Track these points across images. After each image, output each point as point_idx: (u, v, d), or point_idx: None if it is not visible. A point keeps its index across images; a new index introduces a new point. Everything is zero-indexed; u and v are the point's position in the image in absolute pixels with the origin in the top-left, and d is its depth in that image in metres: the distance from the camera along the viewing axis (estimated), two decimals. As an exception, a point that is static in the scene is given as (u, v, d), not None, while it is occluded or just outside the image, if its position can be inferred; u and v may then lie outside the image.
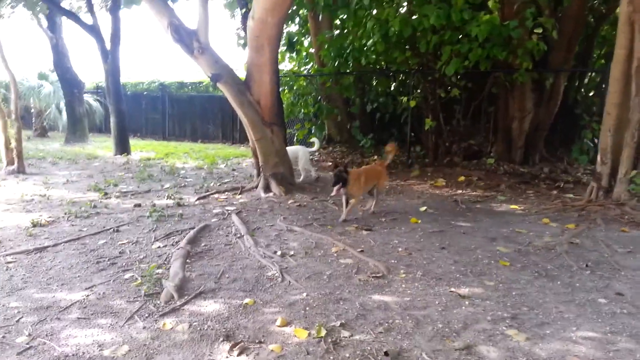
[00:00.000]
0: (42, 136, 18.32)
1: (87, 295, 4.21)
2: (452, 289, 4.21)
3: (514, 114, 10.55)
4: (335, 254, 5.18)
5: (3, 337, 3.50)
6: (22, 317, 3.81)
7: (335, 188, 6.16)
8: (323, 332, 3.46)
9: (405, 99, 10.52)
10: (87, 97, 18.36)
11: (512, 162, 10.34)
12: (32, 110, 19.05)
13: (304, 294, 4.17)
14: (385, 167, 6.99)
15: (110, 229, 6.15)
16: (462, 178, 9.39)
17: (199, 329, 3.60)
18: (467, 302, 3.96)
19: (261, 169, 8.40)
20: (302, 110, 12.92)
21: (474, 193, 8.36)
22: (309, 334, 3.45)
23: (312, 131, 13.13)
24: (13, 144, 10.34)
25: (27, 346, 3.37)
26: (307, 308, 3.91)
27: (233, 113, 19.46)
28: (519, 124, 10.53)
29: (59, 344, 3.41)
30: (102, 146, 15.30)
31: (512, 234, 5.91)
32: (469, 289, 4.23)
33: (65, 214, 6.87)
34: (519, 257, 5.09)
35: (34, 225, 6.26)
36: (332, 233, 5.96)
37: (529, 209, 7.27)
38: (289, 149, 9.12)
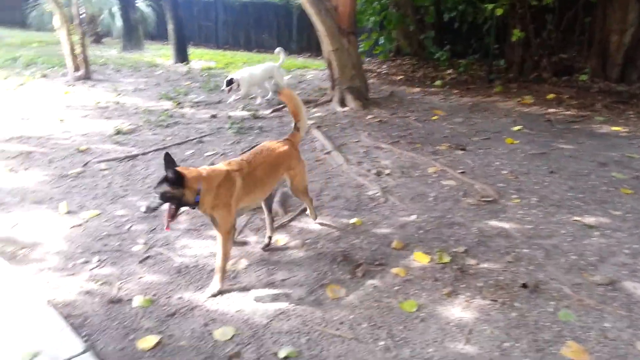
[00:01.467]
0: (97, 42, 18.18)
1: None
2: (576, 218, 3.91)
3: (613, 26, 9.45)
4: (435, 175, 4.92)
5: (119, 244, 3.54)
6: (132, 225, 3.85)
7: (165, 214, 2.83)
8: (446, 258, 3.31)
9: (489, 6, 9.53)
10: (139, 3, 17.88)
11: (608, 80, 9.42)
12: (84, 16, 18.78)
13: (413, 216, 3.99)
14: (296, 145, 3.50)
15: (194, 139, 6.08)
16: (551, 95, 8.67)
17: (313, 247, 3.52)
18: (596, 233, 3.67)
19: (336, 82, 8.00)
20: (370, 18, 12.07)
21: (568, 112, 7.72)
22: (431, 259, 3.31)
23: (380, 42, 12.37)
24: (78, 49, 10.26)
25: (145, 255, 3.40)
26: (421, 231, 3.74)
27: (290, 21, 18.78)
28: (619, 37, 9.44)
29: (177, 254, 3.42)
30: (159, 54, 15.06)
31: (623, 159, 5.43)
32: (595, 218, 3.92)
33: (145, 122, 6.84)
34: (639, 184, 4.68)
35: (118, 132, 6.27)
36: (423, 152, 5.66)
37: (633, 131, 6.65)
38: (261, 66, 8.41)
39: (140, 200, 4.22)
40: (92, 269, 3.20)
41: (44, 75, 10.42)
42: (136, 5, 16.76)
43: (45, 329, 2.57)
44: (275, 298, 2.89)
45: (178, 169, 2.70)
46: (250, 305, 2.82)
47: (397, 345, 2.50)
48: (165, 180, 2.66)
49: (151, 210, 2.70)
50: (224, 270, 2.96)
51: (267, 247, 3.46)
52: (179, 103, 8.11)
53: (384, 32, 12.44)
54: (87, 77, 10.19)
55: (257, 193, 3.17)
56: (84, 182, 4.70)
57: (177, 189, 2.67)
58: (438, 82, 10.04)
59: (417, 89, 9.52)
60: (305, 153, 5.63)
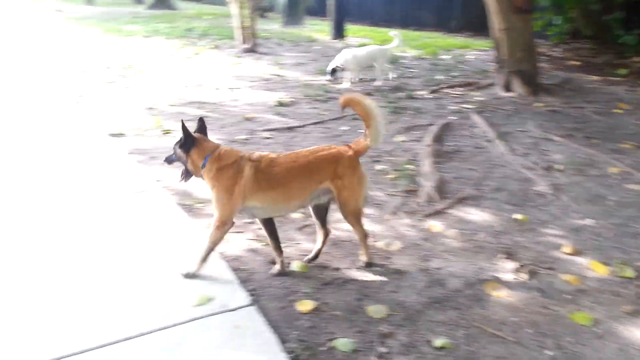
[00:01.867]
0: (260, 17, 19.49)
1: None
2: None
3: None
4: (617, 176, 4.35)
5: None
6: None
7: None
8: (629, 272, 2.91)
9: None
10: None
11: None
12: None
13: (589, 220, 3.58)
14: (357, 154, 2.89)
15: (348, 116, 6.19)
16: None
17: (470, 239, 3.36)
18: None
19: (503, 64, 7.46)
20: (545, -5, 10.93)
21: None
22: (611, 271, 2.94)
23: (554, 23, 11.19)
24: (247, 23, 11.07)
25: (304, 224, 3.56)
26: (598, 238, 3.34)
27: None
28: None
29: (332, 227, 3.53)
30: (316, 29, 15.60)
31: None
32: None
33: (304, 95, 7.16)
34: None
35: (279, 104, 6.65)
36: (602, 149, 5.02)
37: None
38: (366, 48, 8.03)
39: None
40: (257, 229, 3.47)
41: (216, 47, 11.47)
42: (300, -20, 17.45)
43: (217, 278, 2.85)
44: (429, 285, 2.83)
45: (197, 137, 2.82)
46: (403, 289, 2.81)
47: (568, 358, 2.28)
48: (179, 141, 2.83)
49: (168, 162, 2.95)
50: (204, 259, 2.79)
51: (311, 261, 3.04)
52: (336, 79, 8.31)
53: (559, 10, 11.21)
54: (253, 49, 10.97)
55: (277, 195, 2.76)
56: (249, 148, 5.08)
57: (183, 153, 2.80)
58: (622, 71, 8.79)
59: (597, 77, 8.45)
60: (464, 139, 5.39)
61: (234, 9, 11.17)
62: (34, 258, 3.00)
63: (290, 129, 5.69)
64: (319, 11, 19.84)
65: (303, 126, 5.79)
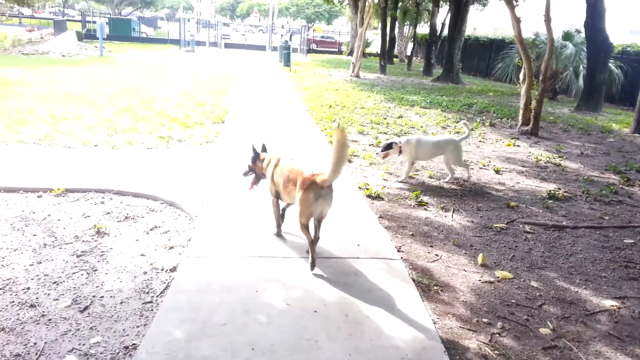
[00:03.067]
0: (551, 99, 18.49)
1: (618, 308, 3.58)
2: None
3: None
4: None
5: (526, 319, 3.37)
6: (544, 303, 3.60)
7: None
8: None
9: None
10: (610, 63, 16.95)
11: None
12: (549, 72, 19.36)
13: None
14: (313, 180, 3.65)
15: (638, 226, 5.21)
16: None
17: None
18: None
19: None
20: None
21: None
22: None
23: None
24: (533, 104, 10.63)
25: (552, 344, 3.09)
26: None
27: None
28: None
29: (586, 356, 2.96)
30: (616, 119, 13.87)
31: None
32: None
33: (583, 192, 6.38)
34: None
35: (550, 197, 6.07)
36: None
37: None
38: (437, 137, 7.07)
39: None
40: (494, 333, 3.16)
41: (492, 124, 11.34)
42: (608, 64, 15.97)
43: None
44: None
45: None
46: None
47: None
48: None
49: (244, 174, 4.46)
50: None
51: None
52: (628, 179, 7.16)
53: None
54: (533, 132, 10.43)
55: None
56: (505, 239, 4.76)
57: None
58: None
59: None
60: None
61: (522, 88, 10.93)
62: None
63: (558, 227, 5.10)
64: (623, 99, 17.72)
65: (575, 227, 5.12)
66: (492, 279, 3.91)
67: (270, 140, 7.83)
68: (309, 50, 37.85)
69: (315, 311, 3.19)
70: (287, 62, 23.11)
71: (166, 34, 41.19)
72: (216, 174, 5.94)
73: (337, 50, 41.59)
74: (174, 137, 7.79)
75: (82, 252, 3.90)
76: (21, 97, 10.29)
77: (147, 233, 4.36)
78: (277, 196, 4.17)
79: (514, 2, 12.14)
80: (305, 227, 3.72)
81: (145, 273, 3.65)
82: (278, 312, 3.16)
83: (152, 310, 3.17)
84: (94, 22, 36.34)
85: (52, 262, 3.70)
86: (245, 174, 4.45)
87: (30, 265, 3.64)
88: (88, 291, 3.34)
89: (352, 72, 21.25)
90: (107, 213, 4.72)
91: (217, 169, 6.19)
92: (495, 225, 5.06)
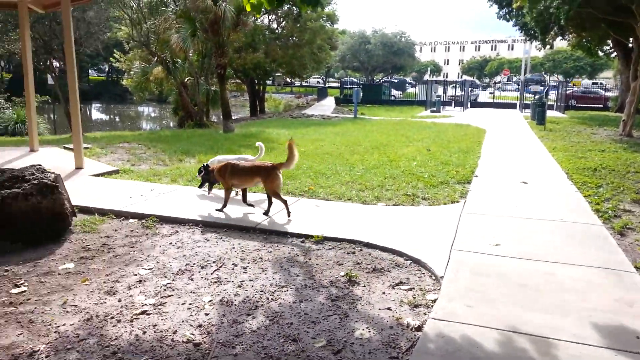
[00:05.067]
0: None
1: None
2: None
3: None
4: None
5: None
6: None
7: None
8: None
9: None
10: None
11: None
12: None
13: None
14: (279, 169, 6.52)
15: None
16: None
17: None
18: None
19: None
20: None
21: None
22: None
23: None
24: None
25: None
26: None
27: None
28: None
29: None
30: None
31: None
32: None
33: None
34: None
35: None
36: None
37: None
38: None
39: None
40: None
41: None
42: None
43: None
44: None
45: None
46: None
47: None
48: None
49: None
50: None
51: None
52: None
53: None
54: None
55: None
56: None
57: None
58: None
59: None
60: None
61: None
62: None
63: None
64: None
65: None
66: None
67: (520, 207, 7.40)
68: (567, 107, 34.98)
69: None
70: (541, 120, 21.77)
71: (413, 96, 43.70)
72: (460, 236, 5.88)
73: (601, 106, 37.38)
74: (419, 195, 8.05)
75: (336, 297, 4.29)
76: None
77: (393, 287, 4.55)
78: None
79: None
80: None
81: (391, 327, 3.80)
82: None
83: (397, 366, 3.26)
84: (351, 88, 41.07)
85: (311, 303, 4.17)
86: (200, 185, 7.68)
87: (293, 302, 4.17)
88: (340, 335, 3.64)
89: (623, 130, 18.72)
90: (357, 263, 5.11)
91: (462, 230, 6.13)
92: None
